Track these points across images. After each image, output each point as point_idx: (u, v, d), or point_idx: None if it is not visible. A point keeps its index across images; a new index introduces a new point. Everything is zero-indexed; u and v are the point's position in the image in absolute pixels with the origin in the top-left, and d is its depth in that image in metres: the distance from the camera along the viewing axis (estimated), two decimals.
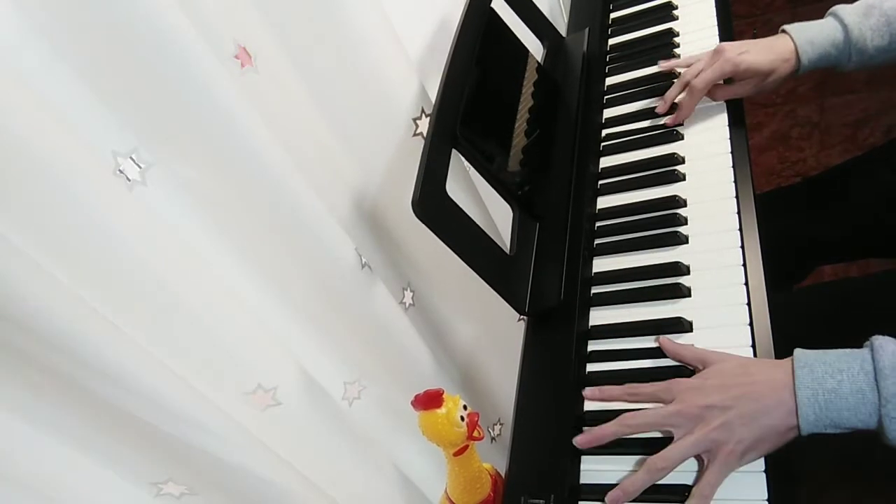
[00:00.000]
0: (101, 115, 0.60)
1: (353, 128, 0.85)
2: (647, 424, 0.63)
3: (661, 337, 0.70)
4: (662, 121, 0.91)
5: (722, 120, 0.87)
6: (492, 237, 0.76)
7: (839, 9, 0.82)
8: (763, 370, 0.60)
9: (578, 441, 0.65)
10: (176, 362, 0.63)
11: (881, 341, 0.56)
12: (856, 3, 0.81)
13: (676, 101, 0.90)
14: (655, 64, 1.00)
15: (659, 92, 0.95)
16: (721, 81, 0.87)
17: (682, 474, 0.62)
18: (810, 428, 0.56)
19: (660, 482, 0.61)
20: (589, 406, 0.71)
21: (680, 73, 0.92)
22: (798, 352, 0.59)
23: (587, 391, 0.70)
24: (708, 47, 0.97)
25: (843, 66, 0.83)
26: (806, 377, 0.57)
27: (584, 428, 0.69)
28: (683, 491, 0.61)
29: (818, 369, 0.57)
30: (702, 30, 1.01)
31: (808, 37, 0.82)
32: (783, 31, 0.85)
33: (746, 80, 0.85)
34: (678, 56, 0.99)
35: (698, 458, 0.61)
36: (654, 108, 0.93)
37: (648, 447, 0.64)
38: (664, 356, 0.70)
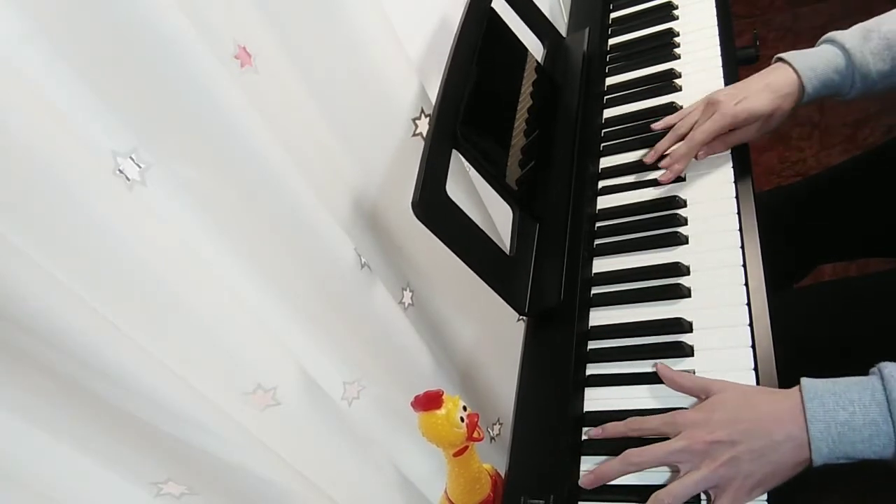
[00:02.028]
0: (101, 115, 0.60)
1: (352, 128, 0.85)
2: (652, 461, 0.61)
3: (659, 364, 0.69)
4: (654, 176, 0.85)
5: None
6: (492, 237, 0.76)
7: (834, 34, 0.79)
8: (768, 402, 0.59)
9: (584, 482, 0.64)
10: (176, 362, 0.63)
11: (890, 369, 0.55)
12: (851, 29, 0.78)
13: (668, 151, 0.86)
14: (655, 64, 1.00)
15: (659, 92, 0.95)
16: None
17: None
18: (823, 461, 0.55)
19: (648, 483, 0.61)
20: (589, 406, 0.71)
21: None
22: (805, 382, 0.58)
23: (591, 432, 0.68)
24: (708, 48, 0.97)
25: (844, 94, 0.79)
26: (817, 410, 0.55)
27: (585, 428, 0.69)
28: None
29: (829, 401, 0.55)
30: (702, 30, 1.00)
31: (809, 63, 0.78)
32: (779, 59, 0.81)
33: (748, 127, 0.80)
34: (678, 56, 0.99)
35: (704, 492, 0.60)
36: (654, 108, 0.93)
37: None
38: (665, 356, 0.70)
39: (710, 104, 0.81)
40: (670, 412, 0.63)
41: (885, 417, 0.53)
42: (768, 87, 0.79)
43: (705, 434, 0.59)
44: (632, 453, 0.62)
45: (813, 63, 0.78)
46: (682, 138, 0.85)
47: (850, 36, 0.78)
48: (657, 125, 0.90)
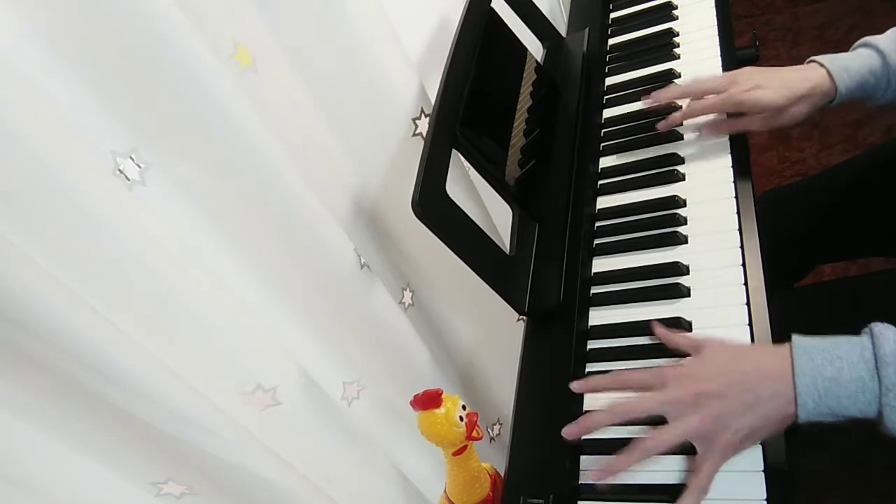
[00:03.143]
0: (100, 114, 0.60)
1: (352, 128, 0.85)
2: (638, 411, 0.61)
3: (656, 325, 0.69)
4: (656, 119, 0.88)
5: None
6: (491, 237, 0.76)
7: (868, 38, 0.79)
8: (759, 357, 0.60)
9: (567, 432, 0.63)
10: (176, 362, 0.63)
11: (880, 328, 0.55)
12: (887, 32, 0.78)
13: (678, 103, 0.88)
14: (655, 64, 1.00)
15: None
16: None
17: (669, 474, 0.62)
18: (808, 416, 0.56)
19: (648, 482, 0.61)
20: (589, 406, 0.71)
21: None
22: (796, 338, 0.58)
23: (574, 384, 0.67)
24: (707, 48, 0.97)
25: (877, 97, 0.79)
26: (805, 365, 0.56)
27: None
28: (671, 491, 0.60)
29: (817, 357, 0.56)
30: (702, 30, 1.01)
31: (843, 64, 0.77)
32: (812, 61, 0.80)
33: (754, 116, 0.80)
34: (678, 56, 0.99)
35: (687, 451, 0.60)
36: (654, 108, 0.93)
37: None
38: (664, 356, 0.70)
39: (729, 79, 0.82)
40: (659, 366, 0.63)
41: (872, 374, 0.53)
42: (786, 84, 0.78)
43: (693, 386, 0.59)
44: (620, 403, 0.62)
45: (845, 63, 0.78)
46: (685, 94, 0.86)
47: (886, 39, 0.78)
48: (679, 82, 0.91)
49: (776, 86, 0.78)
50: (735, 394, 0.57)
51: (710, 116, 0.86)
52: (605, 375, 0.66)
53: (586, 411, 0.70)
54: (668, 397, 0.60)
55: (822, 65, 0.78)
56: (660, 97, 0.88)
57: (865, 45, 0.79)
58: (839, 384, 0.54)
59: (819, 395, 0.55)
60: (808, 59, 0.81)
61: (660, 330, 0.69)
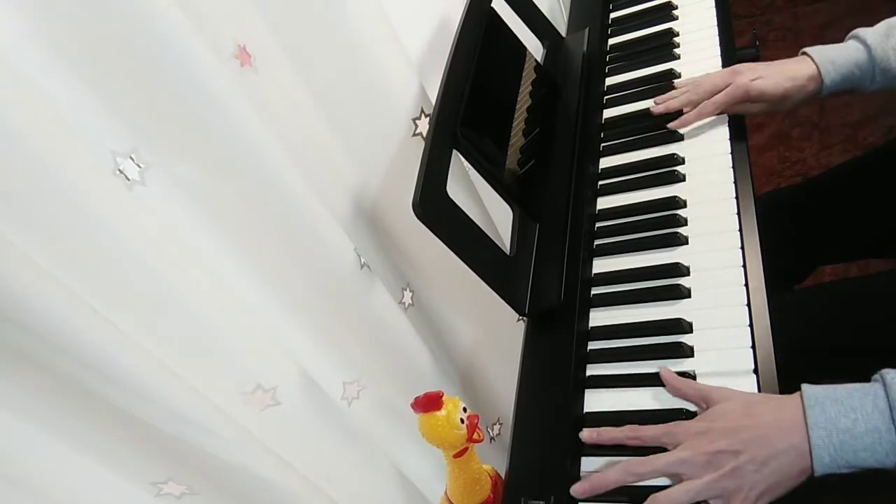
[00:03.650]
0: (100, 114, 0.60)
1: (352, 128, 0.85)
2: (653, 472, 0.60)
3: (664, 368, 0.68)
4: (666, 124, 0.90)
5: (722, 120, 0.87)
6: (492, 238, 0.76)
7: (859, 31, 0.82)
8: (769, 410, 0.59)
9: (577, 491, 0.62)
10: (176, 362, 0.63)
11: (892, 375, 0.54)
12: (876, 25, 0.81)
13: (684, 110, 0.89)
14: (655, 64, 1.00)
15: (659, 93, 0.95)
16: None
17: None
18: (825, 470, 0.55)
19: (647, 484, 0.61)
20: (590, 408, 0.71)
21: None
22: (806, 388, 0.57)
23: (584, 434, 0.67)
24: (707, 48, 0.97)
25: (865, 88, 0.82)
26: (818, 417, 0.55)
27: (587, 428, 0.69)
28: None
29: (830, 408, 0.55)
30: (702, 30, 1.01)
31: (830, 57, 0.81)
32: (804, 53, 0.84)
33: (757, 103, 0.84)
34: (678, 57, 0.99)
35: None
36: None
37: (652, 448, 0.64)
38: (665, 357, 0.70)
39: (731, 73, 0.85)
40: (670, 423, 0.63)
41: (888, 425, 0.53)
42: (786, 74, 0.83)
43: (707, 444, 0.58)
44: (633, 463, 0.61)
45: (833, 57, 0.81)
46: (693, 102, 0.88)
47: (874, 32, 0.80)
48: (679, 82, 0.93)
49: (775, 76, 0.83)
50: (749, 450, 0.56)
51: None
52: (617, 429, 0.65)
53: (587, 413, 0.71)
54: (681, 457, 0.59)
55: (811, 58, 0.82)
56: (671, 106, 0.89)
57: (855, 37, 0.82)
58: (855, 436, 0.53)
59: (835, 449, 0.54)
60: (800, 51, 0.85)
61: (668, 377, 0.67)
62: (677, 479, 0.60)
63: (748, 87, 0.83)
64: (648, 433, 0.63)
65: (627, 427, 0.64)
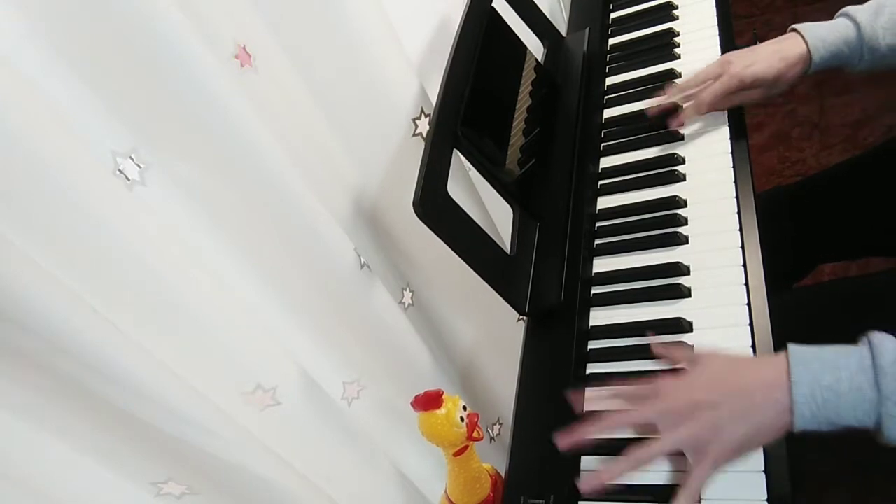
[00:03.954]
0: (100, 115, 0.60)
1: (352, 128, 0.85)
2: (630, 421, 0.61)
3: (654, 345, 0.69)
4: (665, 123, 0.90)
5: (722, 120, 0.87)
6: (492, 237, 0.76)
7: (849, 8, 0.82)
8: (753, 366, 0.60)
9: (560, 442, 0.62)
10: (176, 362, 0.63)
11: (879, 338, 0.55)
12: (866, 3, 0.81)
13: (683, 105, 0.89)
14: (655, 64, 1.00)
15: (660, 93, 0.94)
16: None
17: (668, 475, 0.62)
18: (805, 425, 0.55)
19: (638, 482, 0.61)
20: (589, 407, 0.71)
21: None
22: (792, 347, 0.58)
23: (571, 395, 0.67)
24: (708, 48, 0.97)
25: (853, 66, 0.82)
26: (802, 374, 0.55)
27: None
28: (659, 491, 0.61)
29: (814, 366, 0.55)
30: (702, 30, 1.00)
31: (820, 34, 0.81)
32: (793, 29, 0.84)
33: (753, 90, 0.84)
34: (678, 56, 0.99)
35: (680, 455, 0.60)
36: (658, 112, 0.93)
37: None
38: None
39: (722, 63, 0.85)
40: (651, 382, 0.63)
41: (871, 384, 0.53)
42: (777, 54, 0.82)
43: (685, 395, 0.59)
44: (610, 414, 0.61)
45: (823, 34, 0.81)
46: (684, 90, 0.88)
47: (863, 10, 0.80)
48: (679, 81, 0.93)
49: (769, 58, 0.83)
50: (728, 402, 0.57)
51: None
52: (605, 388, 0.66)
53: (587, 413, 0.71)
54: (660, 407, 0.60)
55: (801, 35, 0.82)
56: (664, 104, 0.89)
57: (845, 14, 0.82)
58: (837, 394, 0.54)
59: (817, 406, 0.54)
60: (789, 28, 0.85)
61: (658, 349, 0.68)
62: (655, 431, 0.60)
63: (742, 75, 0.82)
64: (632, 388, 0.64)
65: (610, 388, 0.66)
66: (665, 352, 0.68)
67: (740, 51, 0.86)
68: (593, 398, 0.72)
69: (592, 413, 0.70)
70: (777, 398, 0.56)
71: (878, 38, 0.78)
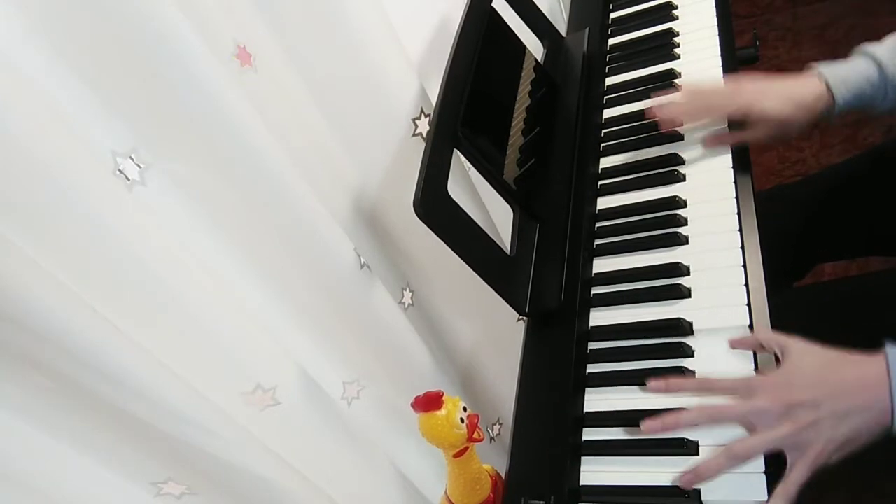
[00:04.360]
0: (100, 115, 0.60)
1: (352, 128, 0.85)
2: (730, 417, 0.60)
3: (735, 340, 0.67)
4: (657, 122, 0.89)
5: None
6: (492, 237, 0.76)
7: (865, 47, 0.79)
8: (851, 366, 0.58)
9: (647, 426, 0.62)
10: (175, 362, 0.63)
11: None
12: (885, 41, 0.78)
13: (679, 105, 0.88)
14: (655, 64, 1.00)
15: (660, 92, 0.95)
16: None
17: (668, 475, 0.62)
18: None
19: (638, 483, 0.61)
20: (590, 407, 0.71)
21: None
22: (890, 348, 0.57)
23: (651, 383, 0.66)
24: (708, 48, 0.97)
25: (877, 107, 0.78)
26: None
27: (586, 431, 0.69)
28: (672, 493, 0.61)
29: None
30: (702, 30, 1.00)
31: (841, 76, 0.77)
32: (812, 69, 0.80)
33: (758, 126, 0.80)
34: (678, 56, 0.99)
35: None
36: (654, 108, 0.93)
37: (653, 448, 0.65)
38: (665, 357, 0.70)
39: (734, 90, 0.82)
40: (745, 377, 0.62)
41: None
42: (790, 96, 0.78)
43: (786, 395, 0.58)
44: (709, 406, 0.60)
45: (845, 75, 0.77)
46: (689, 115, 0.86)
47: (884, 48, 0.77)
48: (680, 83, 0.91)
49: (780, 96, 0.78)
50: (829, 403, 0.56)
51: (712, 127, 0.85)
52: (688, 378, 0.65)
53: (587, 412, 0.71)
54: (758, 406, 0.59)
55: (822, 76, 0.78)
56: (664, 114, 0.87)
57: (864, 54, 0.79)
58: None
59: None
60: (807, 66, 0.81)
61: (733, 340, 0.67)
62: (751, 428, 0.59)
63: (747, 105, 0.79)
64: (722, 384, 0.62)
65: (698, 378, 0.64)
66: (745, 341, 0.66)
67: (756, 79, 0.82)
68: (594, 399, 0.72)
69: (597, 415, 0.70)
70: (880, 398, 0.55)
71: None
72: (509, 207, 0.85)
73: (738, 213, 0.77)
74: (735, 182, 0.80)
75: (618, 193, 0.88)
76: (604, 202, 0.89)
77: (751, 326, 0.68)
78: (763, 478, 0.59)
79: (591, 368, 0.74)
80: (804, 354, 0.61)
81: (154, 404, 0.60)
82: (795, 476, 0.56)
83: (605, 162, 0.93)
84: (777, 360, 0.63)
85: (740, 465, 0.58)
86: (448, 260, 0.71)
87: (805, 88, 0.78)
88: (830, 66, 0.78)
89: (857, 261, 1.35)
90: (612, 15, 1.14)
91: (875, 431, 0.56)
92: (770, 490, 0.58)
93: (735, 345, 0.67)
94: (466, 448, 0.66)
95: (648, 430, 0.63)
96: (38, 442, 0.59)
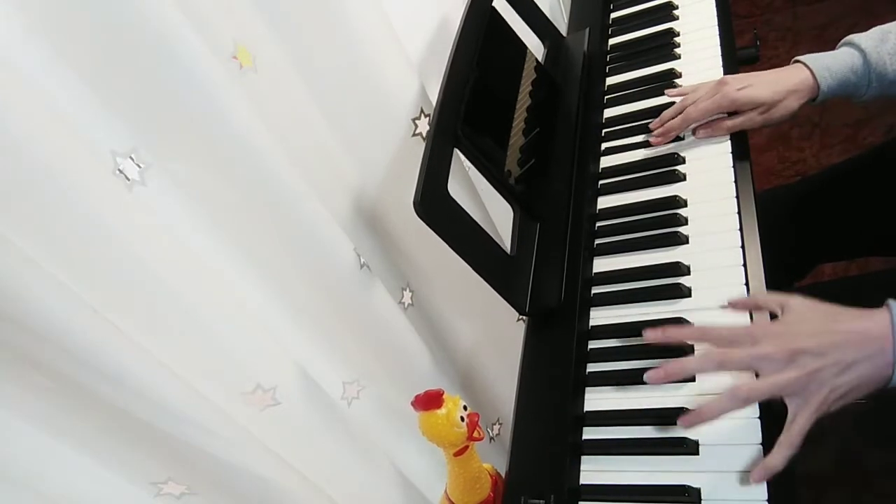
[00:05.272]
0: (100, 114, 0.60)
1: (352, 128, 0.85)
2: (734, 363, 0.60)
3: (732, 301, 0.68)
4: (651, 140, 0.90)
5: (722, 119, 0.87)
6: (492, 237, 0.76)
7: (852, 37, 0.81)
8: (855, 318, 0.59)
9: (650, 376, 0.62)
10: (176, 362, 0.63)
11: None
12: (869, 31, 0.80)
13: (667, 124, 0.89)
14: (655, 64, 1.00)
15: (659, 92, 0.95)
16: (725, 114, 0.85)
17: (669, 475, 0.62)
18: None
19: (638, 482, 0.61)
20: (590, 406, 0.71)
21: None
22: (892, 302, 0.57)
23: (647, 332, 0.65)
24: (708, 47, 0.97)
25: (861, 94, 0.81)
26: None
27: (586, 430, 0.69)
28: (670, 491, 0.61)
29: None
30: (702, 30, 1.00)
31: (825, 63, 0.80)
32: (796, 61, 0.83)
33: (750, 113, 0.83)
34: (678, 56, 0.99)
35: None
36: (654, 108, 0.93)
37: (653, 447, 0.65)
38: (665, 357, 0.70)
39: (718, 83, 0.85)
40: (746, 325, 0.62)
41: None
42: (776, 81, 0.82)
43: (790, 343, 0.58)
44: (713, 351, 0.60)
45: (828, 63, 0.80)
46: (684, 111, 0.87)
47: (867, 37, 0.80)
48: (670, 91, 0.92)
49: (766, 82, 0.82)
50: (834, 352, 0.56)
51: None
52: (686, 327, 0.65)
53: (587, 412, 0.71)
54: (764, 351, 0.58)
55: (805, 65, 0.81)
56: (667, 132, 0.88)
57: (848, 43, 0.81)
58: None
59: None
60: (793, 60, 0.84)
61: (735, 301, 0.67)
62: (755, 374, 0.59)
63: (735, 96, 0.82)
64: (721, 332, 0.62)
65: (697, 326, 0.65)
66: (751, 303, 0.66)
67: (738, 75, 0.86)
68: (594, 398, 0.72)
69: (597, 415, 0.70)
70: (884, 349, 0.55)
71: (886, 64, 0.78)
72: (509, 207, 0.85)
73: (739, 213, 0.77)
74: (735, 182, 0.80)
75: (618, 193, 0.88)
76: (604, 202, 0.89)
77: None
78: (758, 423, 0.59)
79: (592, 368, 0.74)
80: (806, 307, 0.61)
81: (154, 404, 0.60)
82: (799, 424, 0.57)
83: (606, 161, 0.93)
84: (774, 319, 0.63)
85: (742, 407, 0.58)
86: (448, 260, 0.71)
87: (790, 74, 0.82)
88: (814, 56, 0.82)
89: (857, 261, 1.35)
90: (613, 15, 1.14)
91: (876, 382, 0.56)
92: (770, 489, 0.58)
93: (733, 305, 0.67)
94: (466, 447, 0.66)
95: (651, 380, 0.62)
96: (38, 442, 0.59)
